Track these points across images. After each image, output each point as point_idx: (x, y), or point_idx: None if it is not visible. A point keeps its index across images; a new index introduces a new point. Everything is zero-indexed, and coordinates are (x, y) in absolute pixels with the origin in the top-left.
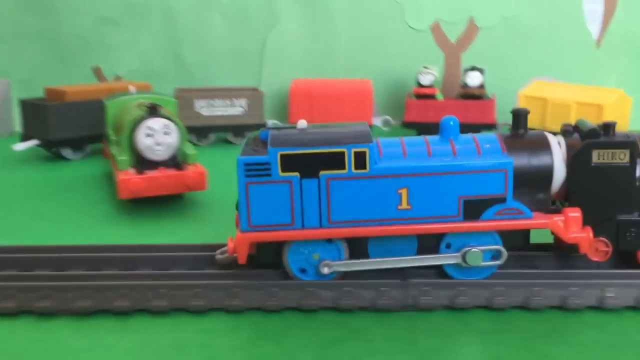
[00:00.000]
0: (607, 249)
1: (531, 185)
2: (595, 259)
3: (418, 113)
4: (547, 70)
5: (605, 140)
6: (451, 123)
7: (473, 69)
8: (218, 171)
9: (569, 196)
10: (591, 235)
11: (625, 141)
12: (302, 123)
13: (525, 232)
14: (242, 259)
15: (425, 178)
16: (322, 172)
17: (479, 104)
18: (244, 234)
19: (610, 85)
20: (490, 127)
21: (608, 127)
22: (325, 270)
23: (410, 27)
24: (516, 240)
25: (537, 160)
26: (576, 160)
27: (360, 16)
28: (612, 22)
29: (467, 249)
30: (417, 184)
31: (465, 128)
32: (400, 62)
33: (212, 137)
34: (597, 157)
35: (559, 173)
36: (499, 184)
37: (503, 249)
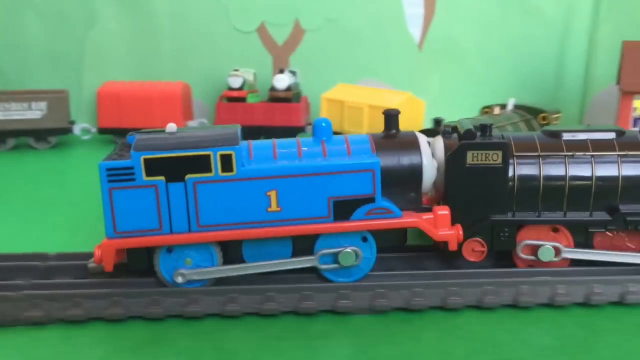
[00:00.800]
0: (482, 249)
1: (402, 184)
2: (471, 259)
3: (228, 116)
4: (373, 73)
5: (478, 142)
6: (323, 124)
7: (281, 71)
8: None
9: (445, 196)
10: (460, 232)
11: (498, 142)
12: (171, 126)
13: (402, 232)
14: (108, 267)
15: (293, 179)
16: (188, 176)
17: (286, 106)
18: (109, 241)
19: (433, 88)
20: (298, 130)
21: (485, 128)
22: (179, 280)
23: (236, 28)
24: (392, 240)
25: (407, 160)
26: (451, 160)
27: (184, 16)
28: (432, 26)
29: (340, 249)
30: (285, 186)
31: (272, 131)
32: (227, 64)
33: (11, 142)
34: (471, 158)
35: (429, 172)
36: (367, 184)
37: (358, 250)
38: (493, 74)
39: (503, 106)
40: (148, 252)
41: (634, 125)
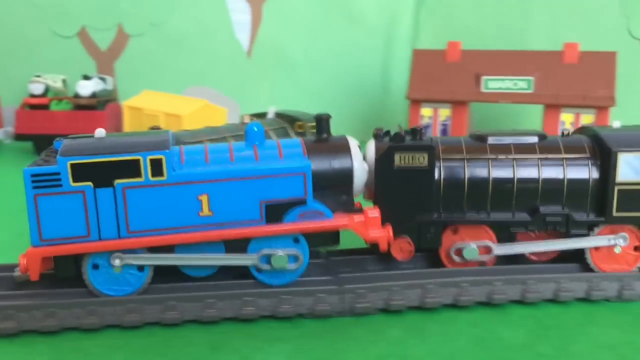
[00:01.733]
0: (410, 247)
1: (333, 187)
2: (399, 257)
3: (29, 124)
4: (202, 80)
5: (405, 144)
6: (255, 129)
7: (86, 77)
8: None
9: (375, 197)
10: (390, 233)
11: (424, 145)
12: (100, 132)
13: (335, 233)
14: (34, 276)
15: (224, 183)
16: (117, 181)
17: (89, 114)
18: (34, 249)
19: (263, 96)
20: None
21: (415, 132)
22: (117, 263)
23: (55, 33)
24: (325, 242)
25: (338, 163)
26: (380, 162)
27: None
28: (260, 32)
29: (270, 251)
30: (217, 190)
31: None
32: (48, 69)
33: None
34: (399, 160)
35: (359, 175)
36: (298, 186)
37: (300, 254)
38: (321, 81)
39: (263, 115)
40: (75, 260)
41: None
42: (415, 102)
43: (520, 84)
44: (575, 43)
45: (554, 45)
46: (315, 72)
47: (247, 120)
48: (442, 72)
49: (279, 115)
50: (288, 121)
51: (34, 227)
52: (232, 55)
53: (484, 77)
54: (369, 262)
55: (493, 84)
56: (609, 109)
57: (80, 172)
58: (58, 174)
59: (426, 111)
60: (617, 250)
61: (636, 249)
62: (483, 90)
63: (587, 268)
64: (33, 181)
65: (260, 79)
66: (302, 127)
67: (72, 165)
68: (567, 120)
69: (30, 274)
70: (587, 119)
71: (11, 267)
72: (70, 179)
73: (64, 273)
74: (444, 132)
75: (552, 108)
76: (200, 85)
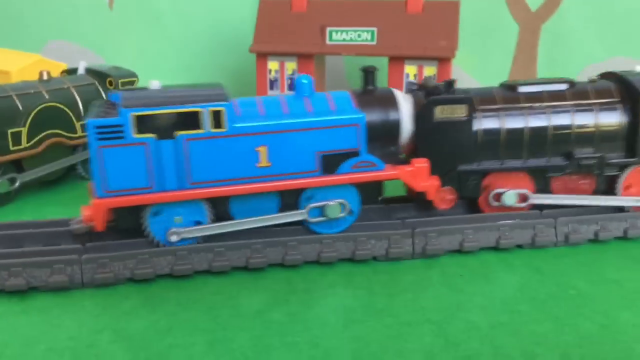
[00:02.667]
0: (452, 196)
1: (382, 138)
2: (442, 207)
3: None
4: (62, 34)
5: (445, 97)
6: (304, 81)
7: None
8: None
9: (416, 149)
10: (438, 183)
11: (463, 97)
12: (154, 83)
13: (380, 185)
14: (100, 226)
15: (282, 135)
16: (178, 133)
17: None
18: (100, 200)
19: (130, 50)
20: None
21: (449, 85)
22: (174, 238)
23: None
24: (373, 192)
25: (387, 115)
26: (421, 115)
27: None
28: None
29: (326, 202)
30: (275, 141)
31: None
32: None
33: None
34: (440, 112)
35: (406, 127)
36: (352, 138)
37: (345, 202)
38: (190, 34)
39: (74, 70)
40: (136, 211)
41: (271, 88)
42: (261, 56)
43: (364, 35)
44: None
45: None
46: (183, 24)
47: (46, 76)
48: (287, 24)
49: (89, 71)
50: (98, 77)
51: (98, 179)
52: (92, 8)
53: (329, 29)
54: (408, 209)
55: (337, 35)
56: (451, 60)
57: (143, 124)
58: (121, 125)
59: (273, 64)
60: None
61: None
62: (328, 42)
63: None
64: (97, 133)
65: (125, 32)
66: (112, 84)
67: (136, 116)
68: (410, 72)
69: (97, 224)
70: (429, 70)
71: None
72: (134, 131)
73: (126, 224)
74: (291, 86)
75: (396, 60)
76: (60, 39)
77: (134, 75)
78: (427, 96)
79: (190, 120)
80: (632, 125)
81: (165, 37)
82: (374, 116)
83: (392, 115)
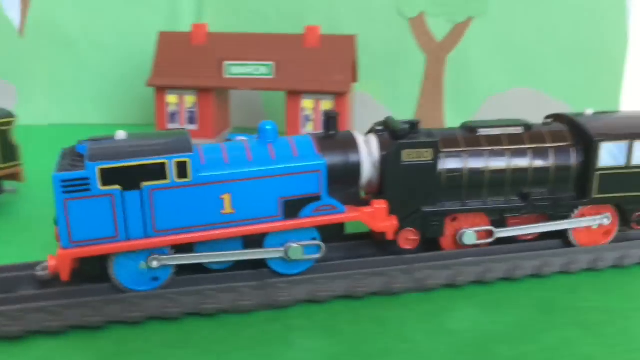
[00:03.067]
0: (415, 237)
1: (343, 181)
2: (405, 246)
3: None
4: None
5: (412, 142)
6: (268, 127)
7: None
8: None
9: (381, 191)
10: (395, 223)
11: (429, 141)
12: (120, 134)
13: (341, 225)
14: (64, 276)
15: (246, 183)
16: (144, 184)
17: None
18: (65, 251)
19: (42, 77)
20: None
21: (414, 125)
22: (154, 264)
23: None
24: (333, 233)
25: (348, 159)
26: (387, 158)
27: None
28: (31, 10)
29: (288, 244)
30: (238, 189)
31: None
32: None
33: None
34: (406, 156)
35: (367, 170)
36: (314, 183)
37: (321, 243)
38: (104, 61)
39: None
40: (101, 259)
41: (170, 121)
42: (160, 89)
43: (261, 69)
44: (316, 26)
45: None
46: (96, 51)
47: None
48: (187, 57)
49: None
50: None
51: (64, 230)
52: (2, 34)
53: (226, 62)
54: (369, 246)
55: (235, 69)
56: (347, 94)
57: (109, 176)
58: (87, 178)
59: (171, 98)
60: (594, 226)
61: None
62: (225, 75)
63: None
64: (63, 186)
65: (37, 59)
66: None
67: (101, 170)
68: (308, 106)
69: (61, 274)
70: (326, 105)
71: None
72: (100, 183)
73: (91, 271)
74: (192, 119)
75: (293, 94)
76: None
77: (10, 115)
78: (393, 138)
79: (156, 171)
80: (583, 167)
81: (78, 64)
82: (335, 160)
83: (352, 159)
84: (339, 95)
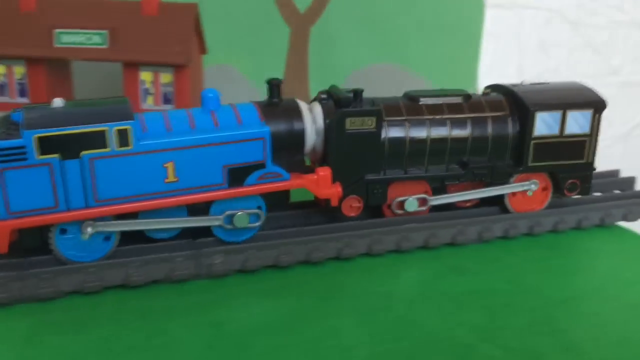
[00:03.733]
0: (359, 205)
1: (287, 149)
2: (349, 214)
3: None
4: None
5: (356, 110)
6: (210, 95)
7: None
8: None
9: (326, 158)
10: (340, 190)
11: (372, 109)
12: (57, 101)
13: (287, 192)
14: (3, 248)
15: (189, 151)
16: (83, 152)
17: None
18: (3, 222)
19: None
20: None
21: (357, 95)
22: (88, 230)
23: None
24: (279, 200)
25: (292, 126)
26: (331, 126)
27: None
28: None
29: (233, 212)
30: (182, 157)
31: None
32: None
33: None
34: (350, 124)
35: (311, 137)
36: (258, 151)
37: (261, 212)
38: None
39: None
40: (41, 230)
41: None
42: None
43: (94, 38)
44: None
45: None
46: None
47: None
48: (15, 24)
49: None
50: None
51: (1, 200)
52: None
53: (57, 30)
54: (318, 215)
55: (67, 37)
56: (187, 67)
57: (46, 145)
58: (24, 147)
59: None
60: (529, 193)
61: (544, 189)
62: (56, 44)
63: (505, 210)
64: None
65: None
66: None
67: (38, 138)
68: (146, 79)
69: (0, 246)
70: (165, 77)
71: None
72: (37, 152)
73: (31, 243)
74: (22, 92)
75: (130, 66)
76: None
77: None
78: (337, 106)
79: (96, 140)
80: (519, 137)
81: None
82: (279, 127)
83: (296, 126)
84: (179, 68)
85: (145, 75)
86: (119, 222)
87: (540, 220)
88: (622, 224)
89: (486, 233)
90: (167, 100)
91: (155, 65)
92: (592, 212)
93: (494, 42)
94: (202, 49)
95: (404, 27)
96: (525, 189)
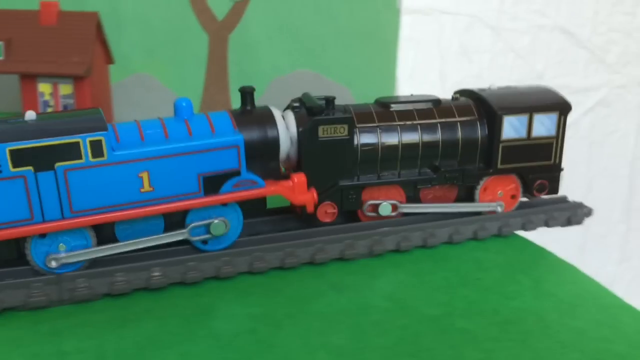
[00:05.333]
0: (334, 210)
1: (262, 156)
2: (324, 220)
3: None
4: None
5: (328, 117)
6: (184, 104)
7: None
8: None
9: (300, 165)
10: (315, 196)
11: (344, 117)
12: (30, 114)
13: (263, 198)
14: None
15: (164, 160)
16: (57, 164)
17: None
18: None
19: None
20: None
21: (329, 102)
22: (53, 264)
23: None
24: (255, 207)
25: (266, 134)
26: (304, 134)
27: None
28: None
29: (208, 221)
30: (157, 167)
31: None
32: None
33: None
34: (322, 132)
35: (285, 144)
36: (233, 159)
37: (225, 221)
38: None
39: None
40: (17, 242)
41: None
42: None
43: None
44: (54, 2)
45: None
46: None
47: None
48: None
49: None
50: None
51: None
52: None
53: None
54: (287, 221)
55: None
56: (86, 78)
57: (19, 158)
58: None
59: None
60: (499, 194)
61: (512, 197)
62: None
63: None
64: None
65: None
66: None
67: (11, 151)
68: (45, 90)
69: None
70: (65, 89)
71: None
72: (10, 165)
73: (6, 255)
74: None
75: (28, 77)
76: None
77: None
78: (309, 114)
79: (70, 151)
80: (488, 140)
81: None
82: (253, 135)
83: (270, 134)
84: (78, 79)
85: (44, 87)
86: (88, 250)
87: (435, 232)
88: (521, 233)
89: (376, 247)
90: None
91: (54, 77)
92: (488, 222)
93: (414, 48)
94: (108, 59)
95: (322, 34)
96: (492, 210)
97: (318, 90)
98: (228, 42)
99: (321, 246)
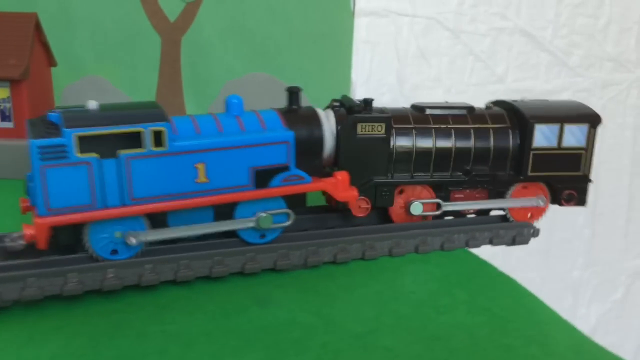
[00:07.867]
0: (367, 206)
1: (307, 153)
2: (358, 215)
3: None
4: None
5: (367, 115)
6: (235, 101)
7: None
8: None
9: (337, 162)
10: (356, 193)
11: (382, 116)
12: (92, 103)
13: (304, 195)
14: (42, 244)
15: (219, 152)
16: (120, 152)
17: None
18: (42, 219)
19: None
20: None
21: (367, 103)
22: (132, 241)
23: None
24: (298, 203)
25: (312, 132)
26: (343, 131)
27: None
28: None
29: (259, 214)
30: (213, 158)
31: None
32: None
33: None
34: (361, 129)
35: (329, 142)
36: (283, 154)
37: (290, 212)
38: None
39: None
40: (76, 227)
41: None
42: None
43: None
44: None
45: None
46: None
47: None
48: None
49: None
50: None
51: (40, 198)
52: None
53: None
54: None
55: None
56: (23, 81)
57: (86, 144)
58: (65, 145)
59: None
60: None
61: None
62: None
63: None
64: (40, 153)
65: None
66: None
67: (79, 137)
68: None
69: (39, 243)
70: (2, 93)
71: None
72: (77, 150)
73: (66, 240)
74: None
75: None
76: None
77: None
78: (349, 113)
79: (132, 140)
80: (519, 148)
81: None
82: (301, 133)
83: (316, 132)
84: (15, 82)
85: None
86: (157, 230)
87: (374, 245)
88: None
89: (312, 258)
90: (4, 117)
91: None
92: (432, 237)
93: (371, 50)
94: (50, 62)
95: (275, 36)
96: (534, 205)
97: (272, 93)
98: (181, 44)
99: (252, 255)
